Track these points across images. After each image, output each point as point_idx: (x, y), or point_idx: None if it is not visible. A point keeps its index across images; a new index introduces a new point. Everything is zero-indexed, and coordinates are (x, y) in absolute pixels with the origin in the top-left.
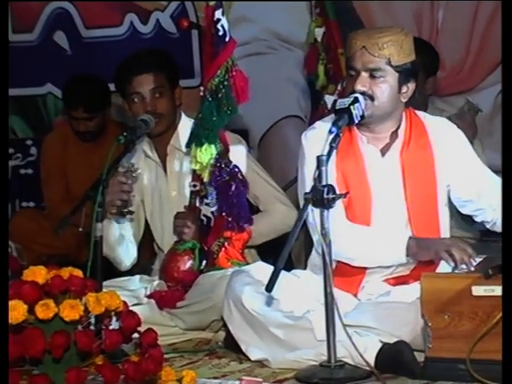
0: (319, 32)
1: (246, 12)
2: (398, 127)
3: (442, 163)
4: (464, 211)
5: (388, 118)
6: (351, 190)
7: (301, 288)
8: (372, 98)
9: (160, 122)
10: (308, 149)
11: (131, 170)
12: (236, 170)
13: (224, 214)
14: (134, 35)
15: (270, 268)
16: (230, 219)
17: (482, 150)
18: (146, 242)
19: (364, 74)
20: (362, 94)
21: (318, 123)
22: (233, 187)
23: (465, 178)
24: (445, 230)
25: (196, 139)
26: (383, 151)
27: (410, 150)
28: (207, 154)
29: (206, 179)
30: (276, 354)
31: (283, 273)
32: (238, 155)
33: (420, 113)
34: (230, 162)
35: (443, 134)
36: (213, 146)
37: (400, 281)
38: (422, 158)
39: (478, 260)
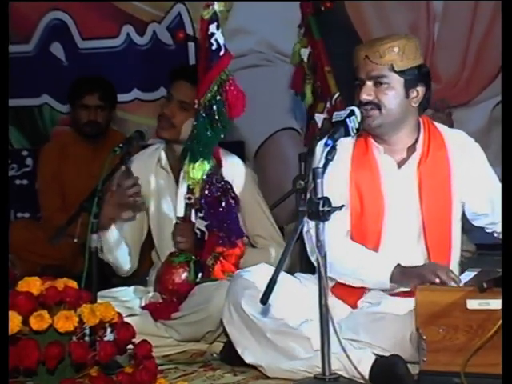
0: (305, 52)
1: (243, 24)
2: (416, 140)
3: (458, 178)
4: (477, 224)
5: (401, 126)
6: (364, 200)
7: (301, 295)
8: (379, 107)
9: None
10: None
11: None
12: (228, 186)
13: (215, 229)
14: (131, 47)
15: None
16: (221, 235)
17: None
18: (145, 252)
19: (369, 83)
20: (369, 103)
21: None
22: (223, 203)
23: (480, 193)
24: (456, 245)
25: (190, 155)
26: (400, 164)
27: (428, 163)
28: (200, 170)
29: (196, 194)
30: (271, 360)
31: (285, 278)
32: (246, 186)
33: (439, 125)
34: (222, 177)
35: (462, 148)
36: (206, 162)
37: (405, 295)
38: (439, 172)
39: (473, 273)
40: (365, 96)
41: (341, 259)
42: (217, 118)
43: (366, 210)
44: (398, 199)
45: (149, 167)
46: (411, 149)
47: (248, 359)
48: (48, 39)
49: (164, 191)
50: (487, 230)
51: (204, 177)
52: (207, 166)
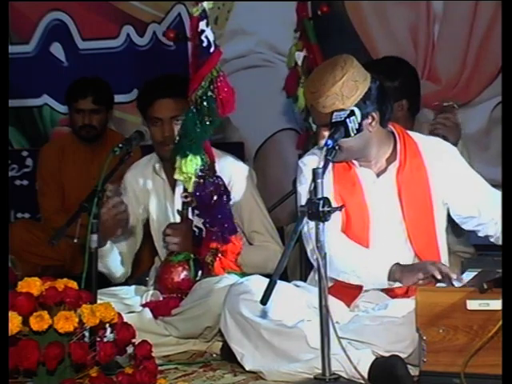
0: (299, 56)
1: (242, 24)
2: (394, 150)
3: (437, 182)
4: (466, 227)
5: (367, 149)
6: (350, 210)
7: (299, 297)
8: (339, 148)
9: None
10: (306, 171)
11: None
12: (219, 181)
13: (208, 225)
14: (131, 47)
15: (267, 281)
16: (215, 230)
17: (468, 154)
18: (144, 254)
19: (322, 129)
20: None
21: (312, 150)
22: (214, 198)
23: (462, 195)
24: (443, 247)
25: (180, 150)
26: (379, 174)
27: (406, 172)
28: (192, 164)
29: (190, 190)
30: (270, 364)
31: (282, 282)
32: (243, 183)
33: (412, 133)
34: (214, 172)
35: (436, 153)
36: (198, 158)
37: (400, 292)
38: (417, 179)
39: (473, 274)
40: (322, 142)
41: (340, 257)
42: (206, 114)
43: (351, 221)
44: (381, 207)
45: (145, 175)
46: (390, 158)
47: (247, 366)
48: (48, 39)
49: (161, 196)
50: (479, 234)
51: (198, 173)
52: (199, 161)
